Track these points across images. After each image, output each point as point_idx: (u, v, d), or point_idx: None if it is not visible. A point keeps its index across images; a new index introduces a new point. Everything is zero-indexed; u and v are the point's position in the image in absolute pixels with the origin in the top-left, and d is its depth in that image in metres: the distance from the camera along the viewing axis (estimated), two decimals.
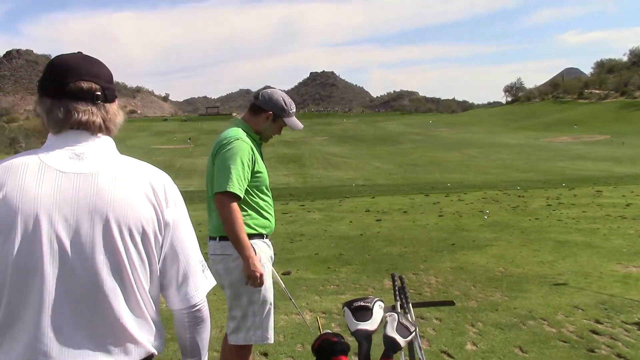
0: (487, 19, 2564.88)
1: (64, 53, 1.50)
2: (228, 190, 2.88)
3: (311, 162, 48.87)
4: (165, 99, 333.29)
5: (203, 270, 1.57)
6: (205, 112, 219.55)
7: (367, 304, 2.27)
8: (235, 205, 2.92)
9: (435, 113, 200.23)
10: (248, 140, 3.06)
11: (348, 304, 2.31)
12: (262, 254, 3.07)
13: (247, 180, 3.00)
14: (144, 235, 1.40)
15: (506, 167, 38.45)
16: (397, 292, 2.93)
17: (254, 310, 3.04)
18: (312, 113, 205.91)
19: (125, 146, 69.91)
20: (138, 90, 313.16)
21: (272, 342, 3.17)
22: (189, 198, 18.12)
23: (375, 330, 2.21)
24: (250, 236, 2.99)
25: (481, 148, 57.39)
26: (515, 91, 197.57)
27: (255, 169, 3.09)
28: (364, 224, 11.41)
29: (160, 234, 1.44)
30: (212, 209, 3.07)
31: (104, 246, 1.35)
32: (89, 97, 1.44)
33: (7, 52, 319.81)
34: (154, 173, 1.49)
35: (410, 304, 2.89)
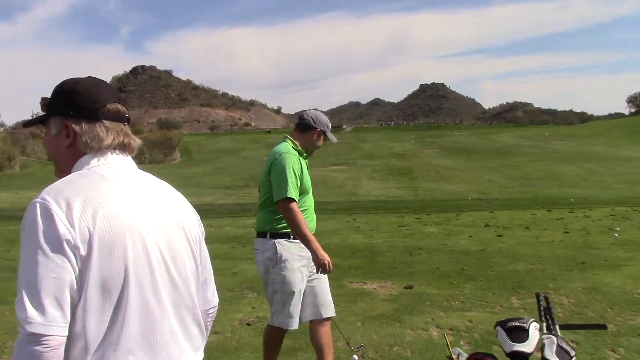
0: (604, 27, 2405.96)
1: (74, 77, 1.51)
2: (287, 196, 3.37)
3: (422, 174, 47.84)
4: (278, 111, 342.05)
5: None
6: None
7: (522, 325, 2.23)
8: (296, 207, 3.41)
9: (551, 125, 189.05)
10: (295, 152, 3.57)
11: (501, 324, 2.29)
12: (285, 251, 3.48)
13: (299, 186, 3.50)
14: (199, 243, 1.55)
15: (632, 182, 35.45)
16: (542, 313, 2.86)
17: (277, 299, 3.50)
18: (422, 125, 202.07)
19: (240, 157, 72.91)
20: (252, 103, 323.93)
21: (295, 328, 3.56)
22: None
23: (532, 352, 2.18)
24: (276, 235, 3.49)
25: (602, 162, 53.37)
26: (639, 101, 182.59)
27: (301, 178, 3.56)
28: (484, 239, 11.11)
29: (200, 243, 1.57)
30: (259, 211, 3.63)
31: (186, 252, 1.48)
32: (122, 119, 1.50)
33: (132, 68, 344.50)
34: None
35: (557, 326, 2.81)
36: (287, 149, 3.56)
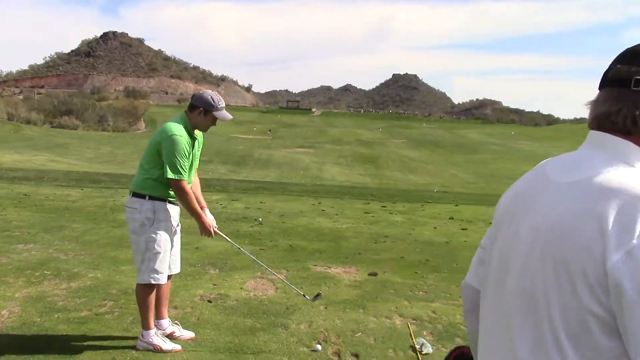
0: (586, 32, 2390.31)
1: None
2: (181, 178, 3.84)
3: (387, 163, 46.48)
4: (248, 89, 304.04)
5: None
6: (286, 105, 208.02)
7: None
8: (187, 186, 3.90)
9: (517, 124, 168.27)
10: (185, 133, 3.91)
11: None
12: (162, 213, 3.93)
13: (187, 167, 3.92)
14: None
15: None
16: None
17: (149, 256, 3.86)
18: (392, 114, 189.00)
19: (205, 134, 75.81)
20: (223, 79, 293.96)
21: (163, 283, 3.99)
22: (268, 188, 18.15)
23: None
24: (154, 198, 3.89)
25: None
26: None
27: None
28: (449, 232, 10.36)
29: None
30: (139, 172, 3.98)
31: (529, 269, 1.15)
32: None
33: (103, 33, 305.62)
34: None
35: None
36: (179, 130, 3.85)
